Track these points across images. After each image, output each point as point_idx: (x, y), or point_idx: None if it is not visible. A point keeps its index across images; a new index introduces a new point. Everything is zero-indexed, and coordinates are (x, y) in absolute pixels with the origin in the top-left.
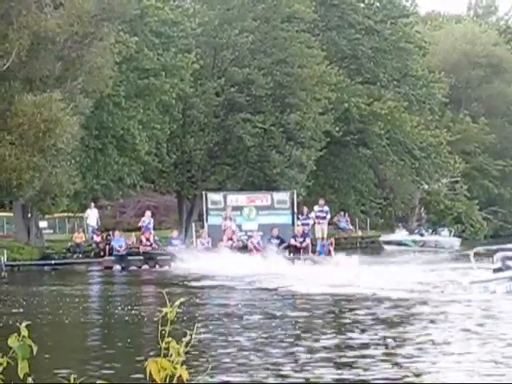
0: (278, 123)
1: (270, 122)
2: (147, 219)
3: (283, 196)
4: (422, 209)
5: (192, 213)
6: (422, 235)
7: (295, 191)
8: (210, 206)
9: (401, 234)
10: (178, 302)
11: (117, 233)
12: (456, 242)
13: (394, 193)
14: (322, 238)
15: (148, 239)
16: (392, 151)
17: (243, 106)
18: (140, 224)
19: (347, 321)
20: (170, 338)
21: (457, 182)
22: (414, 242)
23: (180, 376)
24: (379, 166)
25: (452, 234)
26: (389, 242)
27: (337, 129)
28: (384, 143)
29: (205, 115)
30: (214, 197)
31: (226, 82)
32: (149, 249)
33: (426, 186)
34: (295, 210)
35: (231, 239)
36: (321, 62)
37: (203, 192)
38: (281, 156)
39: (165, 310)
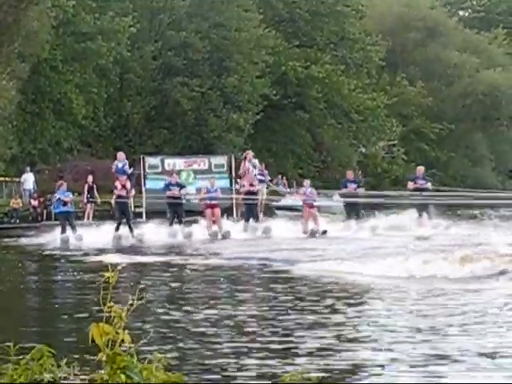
0: (215, 87)
1: (208, 85)
2: (120, 162)
3: (221, 160)
4: (360, 172)
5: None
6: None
7: (233, 155)
8: (147, 170)
9: (292, 199)
10: (119, 267)
11: (63, 185)
12: None
13: (331, 156)
14: (261, 201)
15: (124, 186)
16: (329, 114)
17: (180, 70)
18: (113, 169)
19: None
20: (112, 303)
21: (394, 145)
22: None
23: (122, 340)
24: (317, 130)
25: None
26: (280, 207)
27: (274, 92)
28: (321, 106)
29: (142, 79)
30: (151, 161)
31: (163, 46)
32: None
33: (364, 150)
34: (233, 173)
35: (252, 185)
36: (258, 25)
37: (141, 156)
38: (218, 120)
39: (106, 274)
